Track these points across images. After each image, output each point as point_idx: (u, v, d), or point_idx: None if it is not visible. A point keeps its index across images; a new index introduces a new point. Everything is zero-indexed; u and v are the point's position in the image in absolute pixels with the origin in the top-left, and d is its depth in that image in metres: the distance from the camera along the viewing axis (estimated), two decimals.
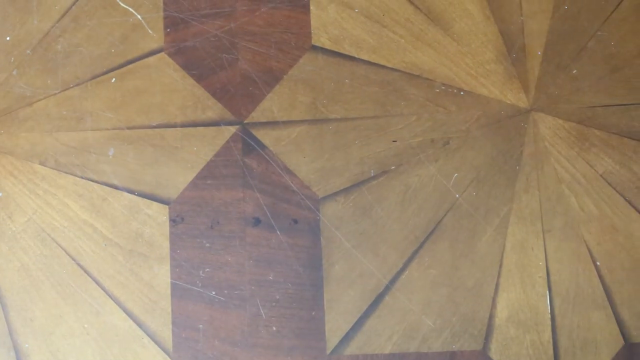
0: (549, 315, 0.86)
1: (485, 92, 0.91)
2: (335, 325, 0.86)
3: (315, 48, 0.92)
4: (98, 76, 0.92)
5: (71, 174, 0.90)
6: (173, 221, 0.89)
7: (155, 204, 0.89)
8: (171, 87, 0.92)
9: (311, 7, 0.93)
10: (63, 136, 0.91)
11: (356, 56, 0.92)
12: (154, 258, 0.88)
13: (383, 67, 0.91)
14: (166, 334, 0.86)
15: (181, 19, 0.93)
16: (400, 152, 0.89)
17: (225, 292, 0.87)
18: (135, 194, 0.89)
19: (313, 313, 0.86)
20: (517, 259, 0.88)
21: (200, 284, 0.87)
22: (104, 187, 0.90)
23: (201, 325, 0.86)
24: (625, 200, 0.89)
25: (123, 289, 0.87)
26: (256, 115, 0.91)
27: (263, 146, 0.90)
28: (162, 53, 0.93)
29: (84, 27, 0.94)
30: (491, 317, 0.86)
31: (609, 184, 0.89)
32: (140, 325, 0.86)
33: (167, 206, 0.89)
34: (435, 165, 0.89)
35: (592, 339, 0.86)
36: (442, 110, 0.91)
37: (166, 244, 0.88)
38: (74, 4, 0.93)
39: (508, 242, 0.88)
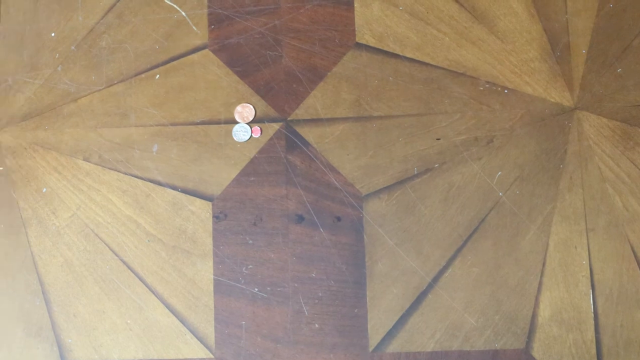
0: (592, 315, 0.87)
1: (530, 91, 0.91)
2: (378, 323, 0.87)
3: (359, 45, 0.93)
4: (142, 73, 0.94)
5: (115, 170, 0.91)
6: (216, 217, 0.90)
7: (198, 200, 0.90)
8: (215, 83, 0.93)
9: (355, 5, 0.94)
10: (107, 132, 0.93)
11: (400, 54, 0.93)
12: (197, 254, 0.89)
13: (427, 64, 0.92)
14: (209, 330, 0.87)
15: (225, 15, 0.95)
16: (444, 150, 0.90)
17: (268, 289, 0.88)
18: (178, 190, 0.91)
19: (356, 310, 0.87)
20: (561, 257, 0.88)
21: (243, 281, 0.88)
22: (148, 183, 0.91)
23: (244, 322, 0.87)
24: None
25: (166, 285, 0.88)
26: (300, 113, 0.92)
27: (306, 143, 0.91)
28: (206, 50, 0.94)
29: (129, 23, 0.95)
30: (534, 315, 0.87)
31: None
32: (183, 321, 0.87)
33: (210, 203, 0.90)
34: (479, 163, 0.90)
35: (636, 339, 0.86)
36: (486, 108, 0.91)
37: (209, 241, 0.89)
38: (118, 0, 0.95)
39: (551, 240, 0.89)
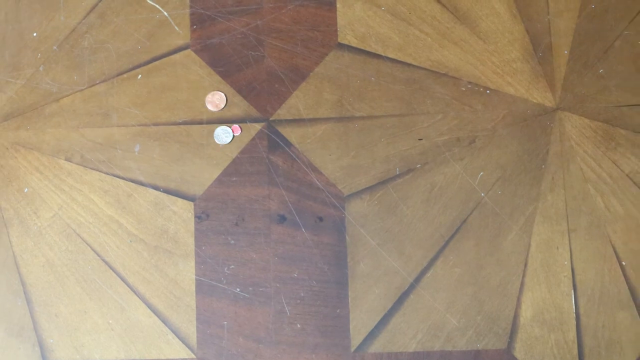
0: (574, 315, 0.87)
1: (512, 91, 0.92)
2: (360, 323, 0.87)
3: (341, 46, 0.93)
4: (124, 73, 0.94)
5: (97, 170, 0.92)
6: (198, 218, 0.90)
7: (180, 200, 0.90)
8: (197, 84, 0.93)
9: (337, 5, 0.95)
10: (89, 132, 0.93)
11: (382, 54, 0.93)
12: (179, 254, 0.89)
13: (409, 65, 0.92)
14: (191, 330, 0.87)
15: (207, 15, 0.95)
16: (426, 150, 0.90)
17: (250, 289, 0.88)
18: (160, 191, 0.91)
19: (338, 311, 0.87)
20: (543, 258, 0.88)
21: (225, 281, 0.88)
22: (130, 183, 0.91)
23: (225, 322, 0.87)
24: None
25: (148, 285, 0.88)
26: (282, 113, 0.92)
27: (289, 143, 0.91)
28: (189, 50, 0.94)
29: (111, 23, 0.95)
30: (516, 316, 0.87)
31: (635, 183, 0.90)
32: (164, 321, 0.88)
33: (192, 203, 0.90)
34: (461, 164, 0.90)
35: (617, 339, 0.87)
36: (468, 108, 0.92)
37: (191, 241, 0.89)
38: (100, 0, 0.95)
39: (533, 241, 0.89)
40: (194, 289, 0.89)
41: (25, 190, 0.92)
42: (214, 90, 0.93)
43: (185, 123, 0.93)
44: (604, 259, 0.89)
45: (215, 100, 0.89)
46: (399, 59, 0.93)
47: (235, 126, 0.92)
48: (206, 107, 0.92)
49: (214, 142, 0.92)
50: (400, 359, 0.87)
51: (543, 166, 0.91)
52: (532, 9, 0.94)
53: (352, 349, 0.87)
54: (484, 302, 0.88)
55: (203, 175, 0.91)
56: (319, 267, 0.89)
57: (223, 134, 0.91)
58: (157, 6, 0.96)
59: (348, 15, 0.95)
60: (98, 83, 0.94)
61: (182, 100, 0.93)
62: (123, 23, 0.95)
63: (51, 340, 0.88)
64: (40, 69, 0.95)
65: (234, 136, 0.91)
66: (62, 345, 0.88)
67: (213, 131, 0.92)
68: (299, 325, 0.88)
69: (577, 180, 0.91)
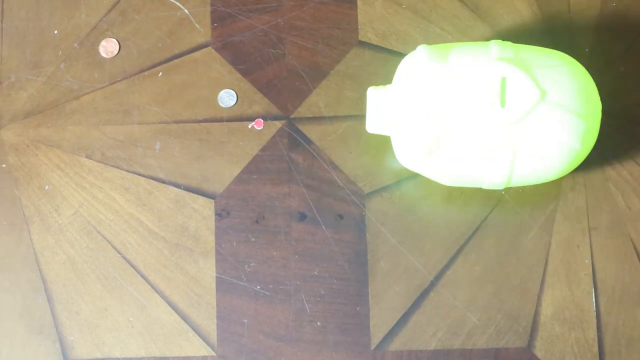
0: (594, 313, 0.88)
1: None
2: (380, 321, 0.88)
3: (362, 43, 0.94)
4: (145, 70, 0.95)
5: (117, 168, 0.92)
6: (219, 215, 0.91)
7: (201, 198, 0.91)
8: (218, 81, 0.94)
9: (358, 3, 0.95)
10: (110, 130, 0.93)
11: (403, 52, 0.94)
12: (200, 252, 0.90)
13: None
14: (211, 327, 0.88)
15: (228, 13, 0.96)
16: None
17: (270, 286, 0.89)
18: (181, 188, 0.91)
19: (358, 308, 0.88)
20: (563, 256, 0.89)
21: (245, 279, 0.89)
22: (150, 180, 0.92)
23: (246, 320, 0.88)
24: None
25: (168, 282, 0.89)
26: (302, 111, 0.92)
27: (309, 141, 0.92)
28: (209, 47, 0.95)
29: (132, 21, 0.96)
30: (536, 314, 0.88)
31: None
32: (185, 319, 0.88)
33: (212, 200, 0.91)
34: None
35: (638, 337, 0.88)
36: None
37: (212, 238, 0.90)
38: None
39: (554, 239, 0.90)
40: (215, 286, 0.90)
41: (46, 187, 0.93)
42: (233, 87, 0.94)
43: (205, 121, 0.93)
44: (624, 257, 0.90)
45: (109, 47, 0.89)
46: None
47: (259, 120, 0.92)
48: (229, 107, 0.93)
49: (235, 139, 0.93)
50: (420, 357, 0.88)
51: None
52: (553, 7, 0.95)
53: (373, 347, 0.88)
54: (504, 300, 0.89)
55: (223, 173, 0.92)
56: (339, 264, 0.90)
57: (227, 97, 0.91)
58: (178, 4, 0.97)
59: (369, 13, 0.95)
60: (119, 80, 0.95)
61: (202, 98, 0.94)
62: (144, 21, 0.96)
63: (72, 338, 0.89)
64: (61, 66, 0.96)
65: (237, 100, 0.91)
66: (83, 342, 0.89)
67: (234, 129, 0.93)
68: (319, 323, 0.89)
69: (597, 178, 0.91)
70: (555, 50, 0.85)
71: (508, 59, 0.82)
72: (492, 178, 0.84)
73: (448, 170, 0.84)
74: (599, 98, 0.85)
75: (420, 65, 0.83)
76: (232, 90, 0.93)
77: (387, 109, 0.84)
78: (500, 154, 0.82)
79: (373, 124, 0.86)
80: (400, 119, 0.83)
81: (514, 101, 0.80)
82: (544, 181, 0.86)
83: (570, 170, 0.85)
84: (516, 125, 0.81)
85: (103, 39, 0.96)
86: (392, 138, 0.86)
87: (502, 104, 0.80)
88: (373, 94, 0.85)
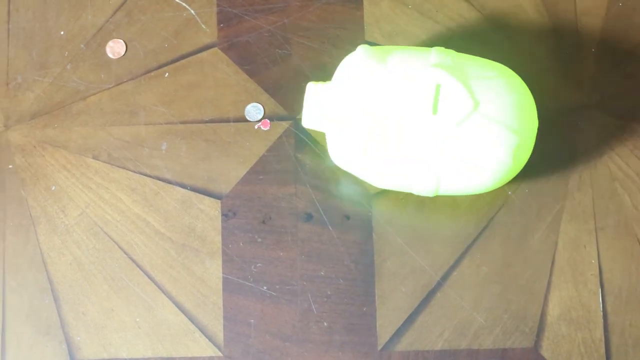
0: (601, 314, 0.88)
1: (539, 89, 0.92)
2: (387, 321, 0.88)
3: (368, 44, 0.94)
4: (151, 71, 0.95)
5: (124, 168, 0.93)
6: (225, 216, 0.91)
7: (207, 198, 0.91)
8: (224, 82, 0.94)
9: (364, 3, 0.96)
10: (116, 130, 0.94)
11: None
12: (206, 252, 0.90)
13: None
14: (217, 328, 0.89)
15: (234, 14, 0.96)
16: None
17: (277, 287, 0.89)
18: (187, 189, 0.92)
19: (364, 309, 0.88)
20: (570, 256, 0.89)
21: (251, 279, 0.89)
22: (157, 181, 0.92)
23: (252, 320, 0.88)
24: None
25: (175, 283, 0.89)
26: None
27: (316, 142, 0.92)
28: (215, 48, 0.96)
29: (138, 22, 0.96)
30: (543, 314, 0.88)
31: None
32: (191, 319, 0.89)
33: (219, 201, 0.91)
34: None
35: None
36: None
37: (218, 239, 0.91)
38: None
39: (560, 239, 0.90)
40: (221, 287, 0.90)
41: (53, 188, 0.93)
42: (240, 87, 0.94)
43: (212, 121, 0.94)
44: (631, 257, 0.90)
45: (117, 48, 0.90)
46: None
47: (265, 120, 0.93)
48: (236, 107, 0.93)
49: (241, 140, 0.93)
50: (427, 357, 0.88)
51: (570, 164, 0.92)
52: (559, 7, 0.95)
53: (379, 347, 0.88)
54: (510, 301, 0.89)
55: (230, 174, 0.92)
56: (345, 265, 0.90)
57: (254, 111, 0.92)
58: (184, 4, 0.97)
59: (375, 13, 0.96)
60: (125, 81, 0.95)
61: (209, 99, 0.94)
62: (150, 21, 0.97)
63: (78, 338, 0.89)
64: (68, 67, 0.96)
65: (264, 111, 0.92)
66: (90, 343, 0.89)
67: (240, 129, 0.93)
68: (325, 324, 0.89)
69: (604, 178, 0.91)
70: (496, 63, 0.86)
71: (445, 67, 0.82)
72: (421, 185, 0.85)
73: (379, 172, 0.85)
74: (535, 114, 0.85)
75: (358, 65, 0.83)
76: (259, 104, 0.93)
77: (324, 105, 0.85)
78: (430, 162, 0.82)
79: (309, 119, 0.87)
80: (335, 116, 0.83)
81: (446, 109, 0.81)
82: (474, 193, 0.87)
83: (501, 184, 0.86)
84: (448, 134, 0.81)
85: (110, 39, 0.96)
86: (326, 135, 0.86)
87: (435, 111, 0.81)
88: (312, 89, 0.86)
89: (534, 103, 0.85)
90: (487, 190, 0.87)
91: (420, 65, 0.82)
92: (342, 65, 0.85)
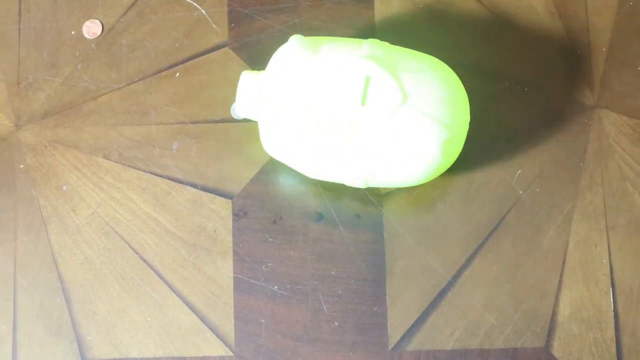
0: (612, 313, 0.88)
1: (550, 89, 0.93)
2: (398, 321, 0.88)
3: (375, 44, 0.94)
4: (162, 71, 0.95)
5: (135, 168, 0.93)
6: (236, 215, 0.91)
7: (218, 198, 0.92)
8: (235, 82, 0.94)
9: (375, 3, 0.96)
10: (127, 130, 0.94)
11: (420, 51, 0.93)
12: (217, 252, 0.90)
13: (447, 62, 0.93)
14: (228, 327, 0.89)
15: (245, 13, 0.96)
16: (464, 148, 0.91)
17: (288, 286, 0.89)
18: (198, 188, 0.92)
19: (375, 308, 0.88)
20: (581, 256, 0.89)
21: (262, 279, 0.89)
22: (168, 181, 0.93)
23: (263, 320, 0.89)
24: None
25: (186, 282, 0.90)
26: None
27: None
28: (226, 48, 0.96)
29: (149, 22, 0.97)
30: (554, 314, 0.88)
31: None
32: (202, 319, 0.89)
33: (230, 200, 0.92)
34: (499, 162, 0.92)
35: None
36: (505, 106, 0.93)
37: (229, 238, 0.91)
38: None
39: (571, 239, 0.90)
40: (232, 286, 0.90)
41: (64, 188, 0.93)
42: None
43: (223, 121, 0.94)
44: None
45: (93, 29, 0.90)
46: (437, 57, 0.94)
47: None
48: None
49: (252, 140, 0.93)
50: (438, 356, 0.88)
51: (581, 164, 0.92)
52: (569, 6, 0.96)
53: (390, 347, 0.88)
54: (521, 300, 0.89)
55: (241, 173, 0.93)
56: (356, 264, 0.90)
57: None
58: (195, 4, 0.97)
59: (386, 12, 0.96)
60: (136, 81, 0.96)
61: (219, 98, 0.94)
62: (161, 21, 0.97)
63: (89, 338, 0.90)
64: (79, 67, 0.96)
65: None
66: (100, 342, 0.90)
67: (251, 129, 0.93)
68: (336, 323, 0.89)
69: (615, 178, 0.92)
70: (431, 56, 0.86)
71: (375, 58, 0.82)
72: (351, 176, 0.85)
73: (310, 163, 0.86)
74: (467, 108, 0.85)
75: (290, 54, 0.84)
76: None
77: (257, 94, 0.85)
78: (360, 153, 0.83)
79: (242, 108, 0.87)
80: (267, 105, 0.84)
81: (375, 101, 0.81)
82: (405, 185, 0.88)
83: (432, 177, 0.86)
84: (377, 126, 0.81)
85: (122, 39, 0.97)
86: (259, 124, 0.86)
87: (363, 103, 0.81)
88: (246, 77, 0.86)
89: (466, 97, 0.86)
90: (418, 184, 0.87)
91: (352, 57, 0.83)
92: (276, 55, 0.86)
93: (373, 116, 0.81)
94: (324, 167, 0.86)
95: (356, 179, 0.85)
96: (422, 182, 0.87)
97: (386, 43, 0.85)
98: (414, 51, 0.86)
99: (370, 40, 0.85)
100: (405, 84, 0.81)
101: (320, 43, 0.84)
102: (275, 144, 0.86)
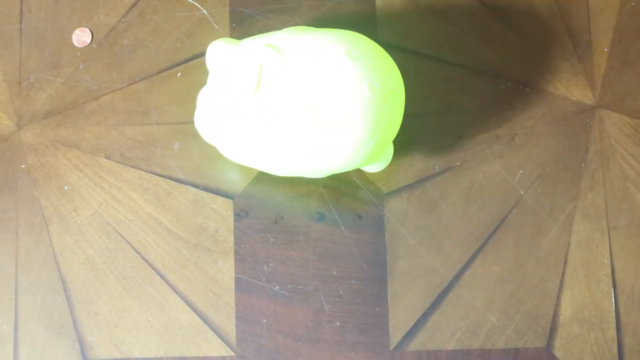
0: (614, 313, 0.88)
1: (551, 89, 0.93)
2: (399, 321, 0.88)
3: (380, 44, 0.94)
4: (164, 71, 0.95)
5: (136, 168, 0.93)
6: (237, 215, 0.91)
7: (220, 198, 0.92)
8: None
9: (376, 2, 0.96)
10: (128, 130, 0.94)
11: (422, 52, 0.94)
12: (219, 252, 0.90)
13: (448, 62, 0.94)
14: (230, 328, 0.89)
15: (247, 14, 0.96)
16: (465, 148, 0.91)
17: (289, 287, 0.89)
18: (200, 188, 0.92)
19: (377, 309, 0.88)
20: (582, 256, 0.89)
21: (264, 279, 0.89)
22: (169, 181, 0.93)
23: (265, 320, 0.89)
24: None
25: (187, 282, 0.90)
26: None
27: None
28: None
29: (150, 21, 0.97)
30: (555, 314, 0.88)
31: None
32: (204, 319, 0.89)
33: (231, 200, 0.92)
34: (500, 162, 0.91)
35: None
36: (507, 106, 0.93)
37: (230, 239, 0.91)
38: None
39: (573, 239, 0.90)
40: (234, 286, 0.90)
41: (65, 187, 0.93)
42: None
43: None
44: None
45: (83, 37, 0.90)
46: (438, 57, 0.94)
47: None
48: None
49: None
50: (439, 357, 0.88)
51: (583, 164, 0.92)
52: (571, 6, 0.96)
53: (391, 347, 0.88)
54: (523, 301, 0.89)
55: (242, 173, 0.93)
56: (357, 265, 0.90)
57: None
58: (196, 4, 0.97)
59: (387, 13, 0.96)
60: (138, 81, 0.96)
61: None
62: (162, 21, 0.97)
63: (91, 338, 0.90)
64: (80, 67, 0.96)
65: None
66: (102, 342, 0.90)
67: None
68: (338, 323, 0.89)
69: (617, 178, 0.92)
70: (350, 32, 0.84)
71: (275, 46, 0.82)
72: (301, 166, 0.85)
73: (235, 151, 0.86)
74: (397, 77, 0.84)
75: (212, 48, 0.87)
76: None
77: (212, 113, 0.86)
78: (283, 144, 0.83)
79: (202, 128, 0.88)
80: (216, 114, 0.85)
81: (266, 88, 0.82)
82: (336, 171, 0.86)
83: (371, 155, 0.84)
84: (278, 112, 0.82)
85: (123, 39, 0.97)
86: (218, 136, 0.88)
87: (257, 89, 0.81)
88: (200, 95, 0.88)
89: (394, 66, 0.84)
90: (350, 168, 0.85)
91: (259, 44, 0.84)
92: (206, 56, 0.89)
93: (266, 103, 0.82)
94: (245, 157, 0.86)
95: (308, 168, 0.85)
96: (352, 166, 0.85)
97: (305, 27, 0.85)
98: (336, 30, 0.85)
99: (288, 28, 0.85)
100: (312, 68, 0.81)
101: (244, 39, 0.87)
102: (231, 148, 0.86)
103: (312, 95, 0.81)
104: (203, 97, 0.86)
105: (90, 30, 0.96)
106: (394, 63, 0.84)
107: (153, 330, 0.90)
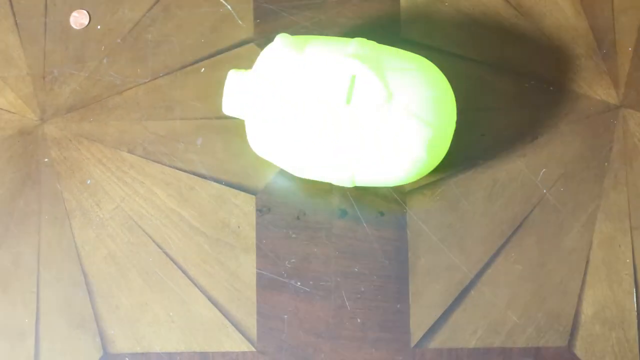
0: (635, 313, 0.88)
1: (575, 88, 0.93)
2: (420, 319, 0.88)
3: (404, 41, 0.95)
4: (187, 66, 0.96)
5: (159, 163, 0.93)
6: (260, 211, 0.91)
7: (242, 193, 0.92)
8: None
9: (401, 0, 0.95)
10: (152, 125, 0.94)
11: (446, 49, 0.94)
12: (240, 248, 0.91)
13: (472, 60, 0.94)
14: (251, 323, 0.89)
15: (271, 10, 0.96)
16: (488, 146, 0.92)
17: (311, 283, 0.89)
18: (222, 184, 0.92)
19: (398, 306, 0.89)
20: (604, 255, 0.89)
21: (285, 275, 0.90)
22: (192, 176, 0.93)
23: (286, 316, 0.89)
24: None
25: (209, 277, 0.90)
26: None
27: None
28: (252, 44, 0.96)
29: (175, 16, 0.97)
30: (577, 313, 0.88)
31: None
32: (225, 314, 0.89)
33: (254, 196, 0.92)
34: (523, 160, 0.92)
35: None
36: (530, 105, 0.93)
37: (252, 234, 0.91)
38: None
39: (595, 238, 0.90)
40: (255, 282, 0.90)
41: (88, 182, 0.94)
42: None
43: None
44: None
45: (80, 19, 0.90)
46: (462, 55, 0.94)
47: None
48: None
49: None
50: (460, 355, 0.88)
51: (606, 164, 0.92)
52: (596, 5, 0.96)
53: (412, 345, 0.89)
54: (545, 299, 0.89)
55: (265, 169, 0.93)
56: (379, 261, 0.90)
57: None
58: (221, 0, 0.97)
59: (411, 10, 0.96)
60: (161, 76, 0.96)
61: None
62: (187, 16, 0.97)
63: (112, 332, 0.90)
64: (104, 61, 0.97)
65: None
66: (123, 336, 0.90)
67: None
68: (359, 320, 0.89)
69: (639, 178, 0.92)
70: (417, 55, 0.86)
71: (361, 57, 0.82)
72: (337, 175, 0.86)
73: (296, 161, 0.86)
74: (454, 108, 0.85)
75: (276, 53, 0.84)
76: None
77: (243, 92, 0.85)
78: (346, 152, 0.83)
79: (229, 107, 0.87)
80: (253, 104, 0.84)
81: (360, 100, 0.81)
82: (390, 185, 0.89)
83: (417, 177, 0.87)
84: (362, 125, 0.81)
85: (147, 33, 0.97)
86: (245, 123, 0.86)
87: (348, 102, 0.81)
88: (233, 77, 0.86)
89: (453, 97, 0.86)
90: (403, 183, 0.87)
91: (337, 55, 0.83)
92: (262, 55, 0.86)
93: (358, 115, 0.81)
94: (310, 167, 0.86)
95: (342, 178, 0.86)
96: (407, 182, 0.87)
97: (373, 42, 0.85)
98: (401, 50, 0.86)
99: (357, 39, 0.85)
100: (390, 83, 0.81)
101: (305, 41, 0.85)
102: (262, 143, 0.86)
103: (374, 117, 0.81)
104: (235, 80, 0.86)
105: (88, 12, 0.96)
106: (452, 95, 0.86)
107: (174, 325, 0.90)
